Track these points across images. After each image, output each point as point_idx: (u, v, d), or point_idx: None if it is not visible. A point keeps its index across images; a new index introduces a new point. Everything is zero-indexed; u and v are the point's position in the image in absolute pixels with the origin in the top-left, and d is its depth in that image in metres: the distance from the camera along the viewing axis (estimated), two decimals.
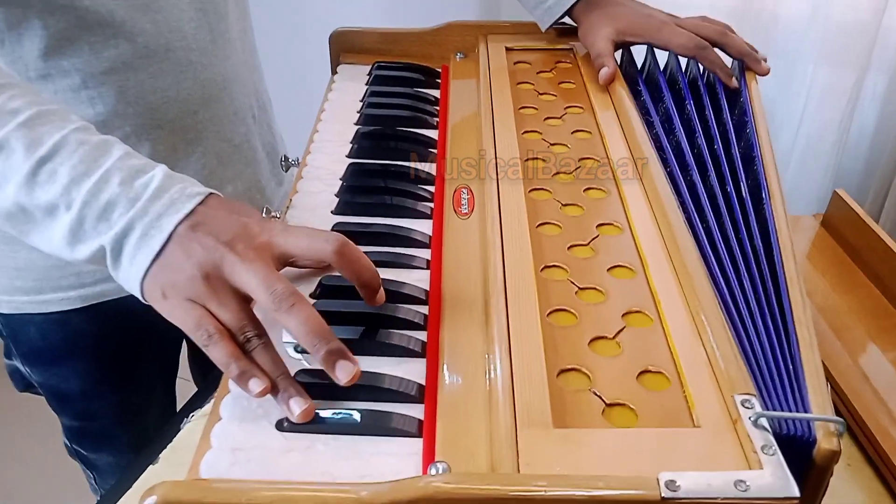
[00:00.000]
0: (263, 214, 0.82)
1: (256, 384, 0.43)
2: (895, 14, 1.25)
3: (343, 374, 0.43)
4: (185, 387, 1.00)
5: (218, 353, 0.44)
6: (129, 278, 0.48)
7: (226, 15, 0.77)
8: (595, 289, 0.49)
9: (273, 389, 0.43)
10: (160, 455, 0.67)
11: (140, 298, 0.49)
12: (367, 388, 0.44)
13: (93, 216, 0.47)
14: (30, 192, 0.48)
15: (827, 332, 0.77)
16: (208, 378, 0.91)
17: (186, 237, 0.46)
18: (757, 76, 0.74)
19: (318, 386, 0.44)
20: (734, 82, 0.71)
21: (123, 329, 0.84)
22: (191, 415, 0.71)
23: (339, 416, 0.42)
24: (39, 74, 0.67)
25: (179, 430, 0.69)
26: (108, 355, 0.85)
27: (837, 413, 0.68)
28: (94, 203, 0.47)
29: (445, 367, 0.45)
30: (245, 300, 0.46)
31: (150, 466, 0.65)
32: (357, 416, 0.42)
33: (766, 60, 0.75)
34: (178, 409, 0.99)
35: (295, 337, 0.44)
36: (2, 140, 0.48)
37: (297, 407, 0.42)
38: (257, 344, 0.45)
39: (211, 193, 0.50)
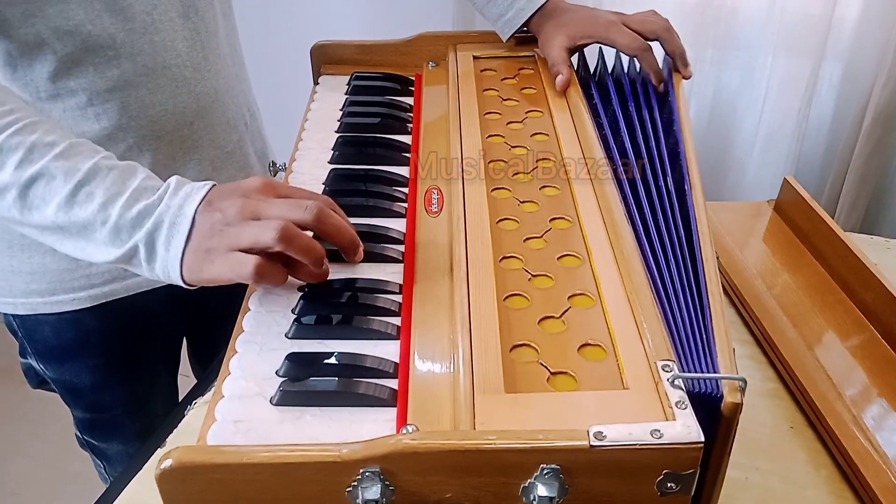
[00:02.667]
0: (269, 168, 0.89)
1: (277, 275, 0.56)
2: (847, 6, 1.32)
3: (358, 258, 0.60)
4: (185, 383, 1.06)
5: (251, 270, 0.54)
6: (166, 263, 0.57)
7: (216, 32, 0.84)
8: (546, 275, 0.56)
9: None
10: (167, 439, 0.73)
11: (180, 280, 0.57)
12: (351, 366, 0.51)
13: (128, 224, 0.57)
14: (68, 210, 0.57)
15: (776, 309, 0.84)
16: (207, 370, 0.97)
17: (206, 212, 0.56)
18: (684, 78, 0.81)
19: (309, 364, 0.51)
20: (661, 87, 0.78)
21: (130, 326, 0.90)
22: (193, 402, 0.77)
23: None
24: (49, 95, 0.74)
25: (184, 417, 0.76)
26: (116, 350, 0.91)
27: (782, 382, 0.76)
28: (127, 215, 0.57)
29: (416, 346, 0.52)
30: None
31: (159, 450, 0.71)
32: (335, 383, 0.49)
33: (689, 66, 0.81)
34: (180, 400, 1.05)
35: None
36: (44, 168, 0.57)
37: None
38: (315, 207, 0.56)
39: (213, 184, 0.59)
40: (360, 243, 0.60)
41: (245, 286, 0.60)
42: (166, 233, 0.56)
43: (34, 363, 0.93)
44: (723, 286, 0.88)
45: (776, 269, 0.91)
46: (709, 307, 0.51)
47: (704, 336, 0.49)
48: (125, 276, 0.85)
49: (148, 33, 0.76)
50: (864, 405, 0.70)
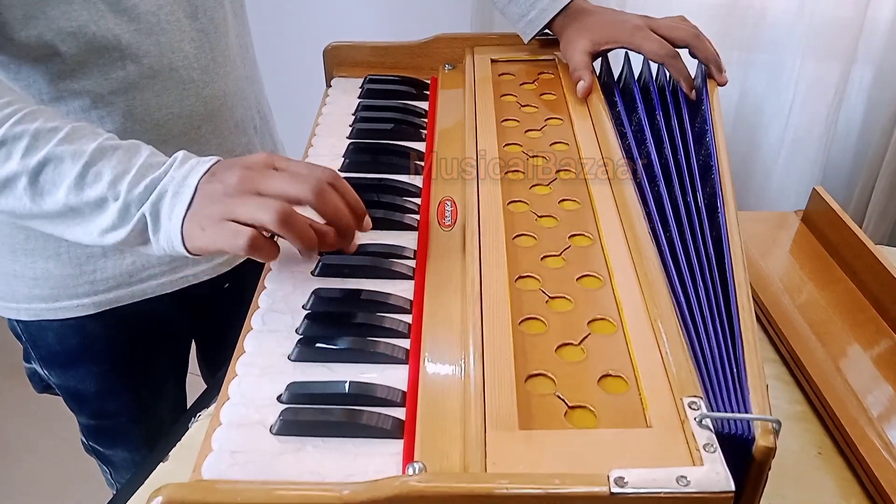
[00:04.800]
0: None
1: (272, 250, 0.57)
2: (879, 6, 1.28)
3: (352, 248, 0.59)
4: (194, 382, 1.05)
5: (245, 240, 0.54)
6: (169, 233, 0.57)
7: (226, 33, 0.81)
8: (564, 297, 0.53)
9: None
10: (170, 453, 0.71)
11: (182, 249, 0.58)
12: (357, 395, 0.48)
13: (136, 199, 0.57)
14: (79, 192, 0.58)
15: (804, 327, 0.80)
16: (216, 377, 0.95)
17: (208, 183, 0.57)
18: (719, 85, 0.77)
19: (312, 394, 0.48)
20: (693, 94, 0.74)
21: (135, 332, 0.88)
22: (198, 414, 0.75)
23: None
24: (52, 97, 0.72)
25: (188, 429, 0.74)
26: (121, 357, 0.89)
27: (810, 404, 0.72)
28: (135, 190, 0.57)
29: (426, 374, 0.49)
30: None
31: (161, 464, 0.70)
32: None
33: (725, 72, 0.78)
34: (188, 405, 1.04)
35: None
36: (50, 153, 0.58)
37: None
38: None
39: (219, 159, 0.60)
40: (357, 229, 0.60)
41: (253, 290, 0.59)
42: (169, 202, 0.57)
43: (39, 368, 0.92)
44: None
45: (804, 283, 0.88)
46: (740, 338, 0.47)
47: (735, 370, 0.45)
48: (130, 283, 0.83)
49: (154, 34, 0.73)
50: None
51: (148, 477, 0.68)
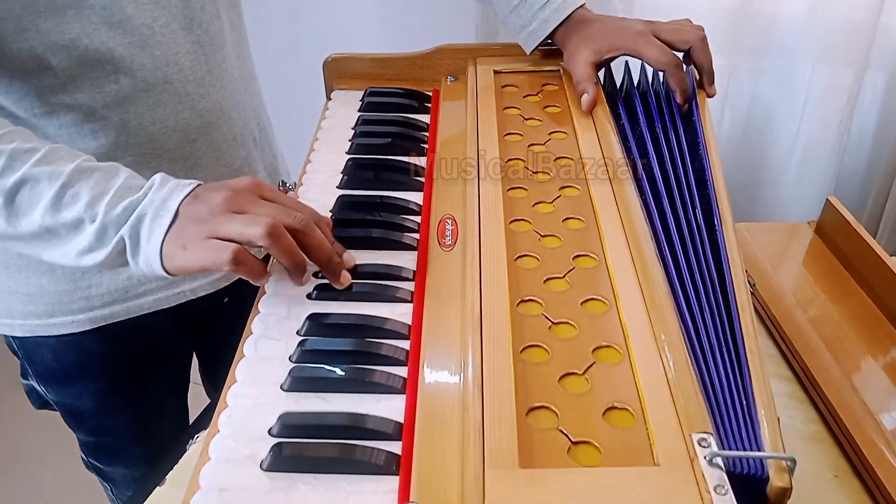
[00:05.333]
0: (280, 187, 0.87)
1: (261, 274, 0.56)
2: (893, 11, 1.25)
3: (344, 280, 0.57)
4: (199, 392, 1.03)
5: (229, 256, 0.54)
6: (148, 256, 0.57)
7: (222, 45, 0.79)
8: (568, 323, 0.51)
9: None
10: (167, 476, 0.69)
11: (161, 270, 0.57)
12: (351, 428, 0.46)
13: (114, 221, 0.57)
14: (56, 213, 0.57)
15: (818, 343, 0.78)
16: (219, 390, 0.94)
17: (190, 205, 0.57)
18: (708, 97, 0.75)
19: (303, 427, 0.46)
20: (685, 107, 0.73)
21: (133, 348, 0.87)
22: (196, 436, 0.73)
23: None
24: (44, 111, 0.70)
25: (186, 450, 0.72)
26: (119, 374, 0.88)
27: (825, 424, 0.70)
28: (113, 212, 0.57)
29: (423, 405, 0.47)
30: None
31: (158, 488, 0.68)
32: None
33: (714, 85, 0.76)
34: (191, 419, 1.02)
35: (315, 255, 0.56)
36: (27, 174, 0.58)
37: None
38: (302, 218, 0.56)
39: (199, 183, 0.59)
40: (343, 265, 0.59)
41: (252, 302, 0.58)
42: (149, 225, 0.57)
43: (36, 385, 0.91)
44: (760, 316, 0.82)
45: (818, 297, 0.85)
46: (747, 366, 0.45)
47: (745, 402, 0.43)
48: (126, 299, 0.82)
49: (148, 47, 0.72)
50: None
51: (146, 500, 0.66)
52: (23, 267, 0.78)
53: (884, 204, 1.32)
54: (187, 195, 0.57)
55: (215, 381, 1.09)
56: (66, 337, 0.82)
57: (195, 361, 1.06)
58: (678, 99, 0.73)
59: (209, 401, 1.03)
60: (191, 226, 0.56)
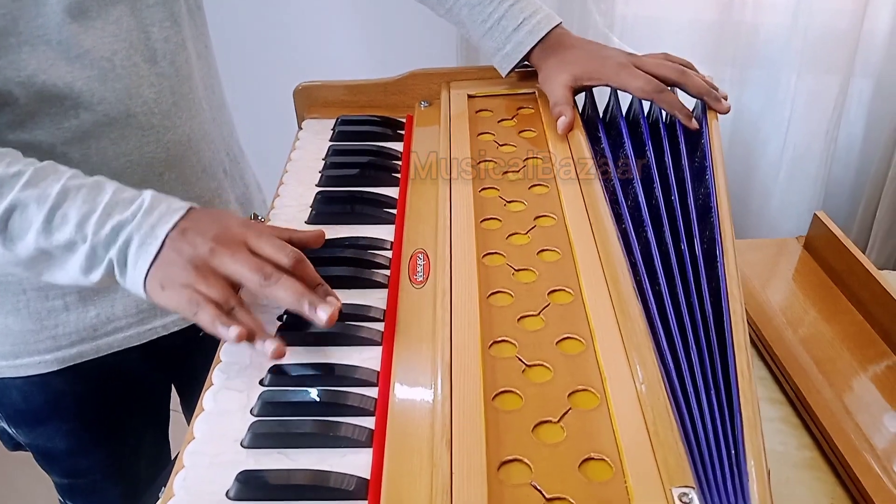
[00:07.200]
0: (252, 219, 0.85)
1: (235, 330, 0.52)
2: (876, 18, 1.24)
3: (323, 314, 0.53)
4: (177, 420, 1.00)
5: (205, 315, 0.54)
6: (134, 280, 0.57)
7: (189, 76, 0.77)
8: (543, 365, 0.49)
9: (251, 338, 0.53)
10: None
11: (144, 297, 0.58)
12: (313, 487, 0.44)
13: (102, 242, 0.57)
14: (48, 236, 0.58)
15: (810, 364, 0.76)
16: None
17: (178, 240, 0.56)
18: (720, 113, 0.72)
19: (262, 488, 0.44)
20: (694, 123, 0.70)
21: (106, 387, 0.84)
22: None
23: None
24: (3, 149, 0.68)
25: (158, 498, 0.69)
26: (91, 413, 0.85)
27: (820, 450, 0.68)
28: (101, 232, 0.57)
29: (389, 460, 0.45)
30: (230, 283, 0.56)
31: None
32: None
33: (726, 98, 0.73)
34: (172, 453, 0.99)
35: (284, 304, 0.55)
36: (15, 200, 0.58)
37: (271, 346, 0.52)
38: (240, 310, 0.55)
39: (192, 207, 0.59)
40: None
41: None
42: (135, 251, 0.57)
43: (6, 427, 0.88)
44: (749, 337, 0.80)
45: (808, 315, 0.83)
46: (739, 413, 0.42)
47: (733, 452, 0.41)
48: (94, 337, 0.79)
49: (109, 80, 0.69)
50: None
51: None
52: None
53: (874, 213, 1.31)
54: (177, 224, 0.57)
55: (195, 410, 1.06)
56: (34, 378, 0.79)
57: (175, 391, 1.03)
58: (682, 120, 0.71)
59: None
60: (172, 266, 0.56)
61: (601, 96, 0.78)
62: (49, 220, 0.58)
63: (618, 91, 0.76)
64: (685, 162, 0.64)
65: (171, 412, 1.01)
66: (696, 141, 0.69)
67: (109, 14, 0.69)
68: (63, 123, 0.68)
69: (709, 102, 0.73)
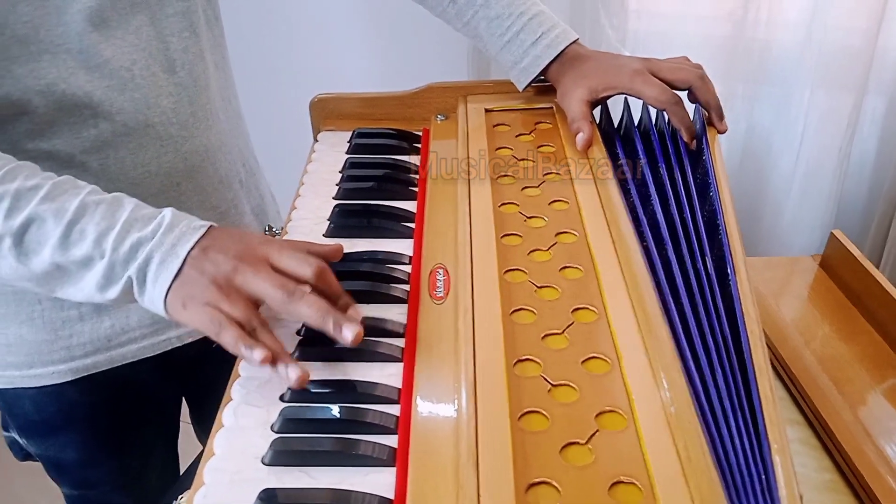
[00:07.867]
0: (266, 231, 0.85)
1: (260, 353, 0.52)
2: (891, 36, 1.24)
3: (349, 333, 0.52)
4: (186, 431, 0.99)
5: (228, 335, 0.53)
6: (153, 299, 0.57)
7: (206, 87, 0.77)
8: (568, 385, 0.48)
9: (274, 361, 0.52)
10: None
11: (164, 314, 0.57)
12: None
13: (121, 259, 0.57)
14: (65, 251, 0.57)
15: (828, 385, 0.75)
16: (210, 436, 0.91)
17: (199, 258, 0.56)
18: (719, 133, 0.72)
19: None
20: (694, 144, 0.70)
21: (118, 398, 0.84)
22: (180, 497, 0.70)
23: None
24: (21, 160, 0.67)
25: None
26: (103, 425, 0.85)
27: (840, 472, 0.67)
28: (120, 249, 0.57)
29: (413, 480, 0.44)
30: (252, 302, 0.56)
31: None
32: None
33: (724, 119, 0.73)
34: (181, 467, 0.99)
35: (308, 322, 0.54)
36: (33, 213, 0.57)
37: (294, 374, 0.51)
38: (262, 330, 0.54)
39: (212, 225, 0.59)
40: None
41: None
42: (156, 269, 0.56)
43: (17, 437, 0.88)
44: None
45: (825, 335, 0.83)
46: (766, 437, 0.42)
47: (765, 478, 0.40)
48: (108, 348, 0.79)
49: (128, 90, 0.69)
50: None
51: None
52: (1, 317, 0.75)
53: (887, 230, 1.30)
54: (198, 241, 0.57)
55: (205, 426, 1.05)
56: (48, 388, 0.79)
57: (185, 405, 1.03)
58: (684, 137, 0.70)
59: (201, 445, 1.00)
60: (194, 284, 0.55)
61: (615, 107, 0.78)
62: (66, 234, 0.57)
63: (630, 105, 0.76)
64: (690, 177, 0.64)
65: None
66: (698, 157, 0.69)
67: (129, 24, 0.69)
68: (82, 133, 0.68)
69: (713, 116, 0.73)
